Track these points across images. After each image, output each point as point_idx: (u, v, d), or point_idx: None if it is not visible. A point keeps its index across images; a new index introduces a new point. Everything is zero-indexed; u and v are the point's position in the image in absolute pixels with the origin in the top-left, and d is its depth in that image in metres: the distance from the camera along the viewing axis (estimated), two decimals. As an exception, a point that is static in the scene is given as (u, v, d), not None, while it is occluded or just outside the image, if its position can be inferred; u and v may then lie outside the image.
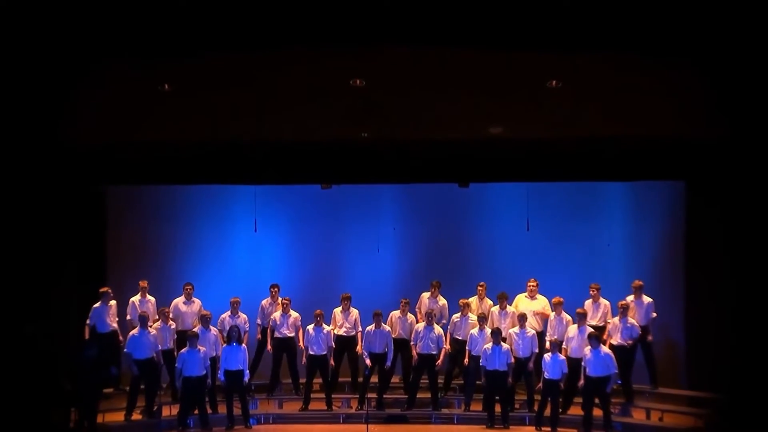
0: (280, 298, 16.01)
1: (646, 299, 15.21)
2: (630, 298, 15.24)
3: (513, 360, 14.74)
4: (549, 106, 12.59)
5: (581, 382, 14.21)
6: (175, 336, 15.31)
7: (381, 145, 14.79)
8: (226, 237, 17.40)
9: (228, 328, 15.29)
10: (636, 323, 14.97)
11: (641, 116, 12.98)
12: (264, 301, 16.12)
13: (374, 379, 15.50)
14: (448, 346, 15.50)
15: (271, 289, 16.13)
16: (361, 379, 15.56)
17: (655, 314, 15.18)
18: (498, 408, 14.73)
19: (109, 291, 15.48)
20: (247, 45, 10.70)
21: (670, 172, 15.13)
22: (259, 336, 15.89)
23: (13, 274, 13.53)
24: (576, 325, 14.83)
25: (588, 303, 15.44)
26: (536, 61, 11.14)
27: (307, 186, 16.44)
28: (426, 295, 16.16)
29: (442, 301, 16.07)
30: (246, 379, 14.75)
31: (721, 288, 15.19)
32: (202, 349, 14.55)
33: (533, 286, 15.79)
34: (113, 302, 15.52)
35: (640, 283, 15.28)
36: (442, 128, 14.14)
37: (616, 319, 15.02)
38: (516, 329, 15.10)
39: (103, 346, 14.92)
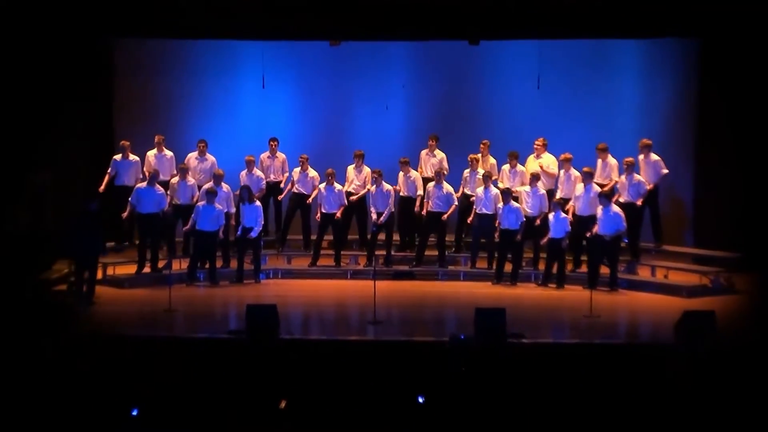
0: (281, 154, 15.99)
1: (654, 157, 15.07)
2: (641, 157, 15.15)
3: (524, 219, 14.78)
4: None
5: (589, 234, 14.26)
6: (197, 192, 15.28)
7: (391, -1, 14.56)
8: (233, 93, 17.24)
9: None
10: (642, 180, 14.94)
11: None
12: (263, 155, 16.10)
13: (382, 236, 15.61)
14: (456, 203, 15.53)
15: (270, 143, 16.08)
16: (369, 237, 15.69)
17: (666, 171, 15.04)
18: (508, 266, 14.86)
19: (128, 144, 15.45)
20: None
21: (684, 29, 14.92)
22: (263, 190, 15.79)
23: (21, 121, 13.55)
24: (582, 184, 14.82)
25: (598, 162, 15.39)
26: None
27: (316, 43, 16.24)
28: (424, 152, 16.11)
29: (440, 154, 16.02)
30: (254, 235, 14.85)
31: (731, 148, 15.21)
32: (218, 206, 14.63)
33: (539, 144, 15.69)
34: (135, 158, 15.51)
35: (648, 141, 15.15)
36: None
37: (623, 177, 14.96)
38: (527, 188, 15.09)
39: (114, 200, 15.03)
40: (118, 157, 15.42)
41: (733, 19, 14.44)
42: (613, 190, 14.94)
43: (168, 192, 15.05)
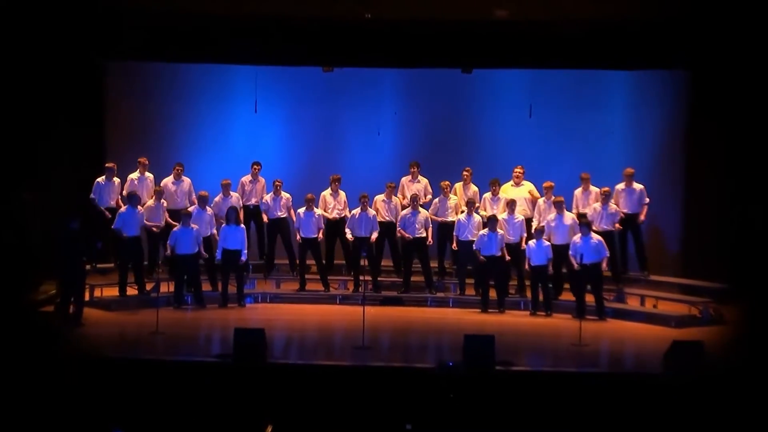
0: (262, 178, 16.00)
1: (638, 186, 15.16)
2: (621, 185, 15.21)
3: (504, 245, 14.76)
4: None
5: (575, 266, 14.25)
6: (166, 214, 15.25)
7: (385, 26, 14.63)
8: (226, 117, 17.28)
9: (220, 209, 15.29)
10: (617, 209, 14.98)
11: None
12: (244, 178, 16.05)
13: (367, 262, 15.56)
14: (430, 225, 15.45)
15: (253, 167, 16.04)
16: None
17: (647, 200, 15.13)
18: (493, 293, 14.85)
19: (114, 167, 15.46)
20: None
21: (674, 61, 15.03)
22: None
23: (10, 141, 13.48)
24: (554, 213, 14.84)
25: (578, 191, 15.43)
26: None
27: (309, 68, 16.29)
28: (406, 178, 16.12)
29: (423, 181, 16.05)
30: (243, 258, 14.82)
31: (720, 179, 15.25)
32: (195, 227, 14.61)
33: (519, 172, 15.73)
34: (117, 180, 15.51)
35: (631, 170, 15.24)
36: (447, 10, 13.98)
37: (597, 205, 15.02)
38: (505, 215, 15.10)
39: (96, 220, 14.97)
40: (101, 179, 15.36)
41: (721, 51, 14.55)
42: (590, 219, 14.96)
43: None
